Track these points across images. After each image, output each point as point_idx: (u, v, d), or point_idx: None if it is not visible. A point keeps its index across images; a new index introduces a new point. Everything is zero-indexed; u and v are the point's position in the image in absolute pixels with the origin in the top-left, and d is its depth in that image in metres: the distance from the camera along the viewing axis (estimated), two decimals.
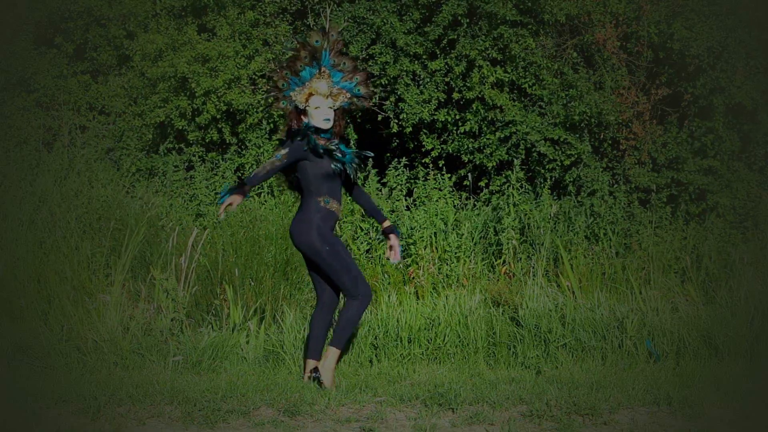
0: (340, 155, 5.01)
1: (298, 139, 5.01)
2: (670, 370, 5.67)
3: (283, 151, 4.95)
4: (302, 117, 5.08)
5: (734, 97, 7.62)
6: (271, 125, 8.36)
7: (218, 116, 8.25)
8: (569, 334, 6.05)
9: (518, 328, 6.15)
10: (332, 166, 5.00)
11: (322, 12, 8.54)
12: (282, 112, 5.27)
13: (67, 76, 8.98)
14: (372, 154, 5.44)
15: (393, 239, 5.19)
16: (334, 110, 5.09)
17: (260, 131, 8.30)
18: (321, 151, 4.99)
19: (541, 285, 6.56)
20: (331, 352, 5.09)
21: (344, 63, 5.17)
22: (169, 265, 6.27)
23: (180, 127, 8.33)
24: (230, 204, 4.76)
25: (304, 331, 5.99)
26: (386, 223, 5.21)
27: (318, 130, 5.04)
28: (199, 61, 8.22)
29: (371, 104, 5.39)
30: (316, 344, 5.15)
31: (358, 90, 5.17)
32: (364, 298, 5.05)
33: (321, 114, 5.04)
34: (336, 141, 5.09)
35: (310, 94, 5.07)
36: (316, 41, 5.10)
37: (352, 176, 5.06)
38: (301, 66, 5.12)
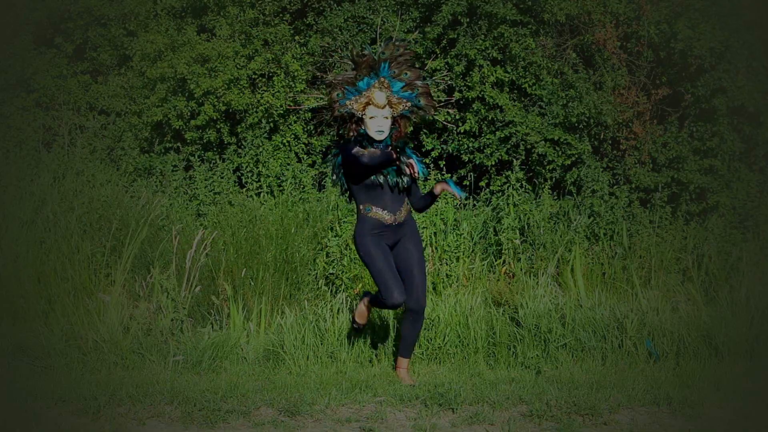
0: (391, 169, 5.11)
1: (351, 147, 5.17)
2: (670, 370, 5.67)
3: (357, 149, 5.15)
4: (359, 125, 5.17)
5: (736, 98, 7.61)
6: (271, 125, 8.36)
7: (216, 117, 8.25)
8: (569, 334, 6.04)
9: (518, 328, 6.15)
10: (379, 179, 5.13)
11: (323, 11, 8.53)
12: (332, 118, 5.37)
13: (66, 76, 8.98)
14: (420, 160, 5.37)
15: (441, 185, 5.23)
16: (394, 118, 5.18)
17: (259, 131, 8.30)
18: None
19: (543, 285, 6.56)
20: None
21: (406, 73, 5.22)
22: (171, 265, 6.27)
23: (177, 127, 8.33)
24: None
25: (305, 330, 5.99)
26: (437, 188, 5.25)
27: (371, 140, 5.15)
28: (198, 62, 8.21)
29: (434, 114, 5.46)
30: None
31: (419, 101, 5.23)
32: (386, 304, 5.17)
33: (375, 125, 5.13)
34: (396, 148, 5.14)
35: (368, 104, 5.14)
36: (382, 53, 5.16)
37: (395, 185, 5.14)
38: (359, 77, 5.17)
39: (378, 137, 5.14)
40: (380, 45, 5.20)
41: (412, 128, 5.30)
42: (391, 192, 5.16)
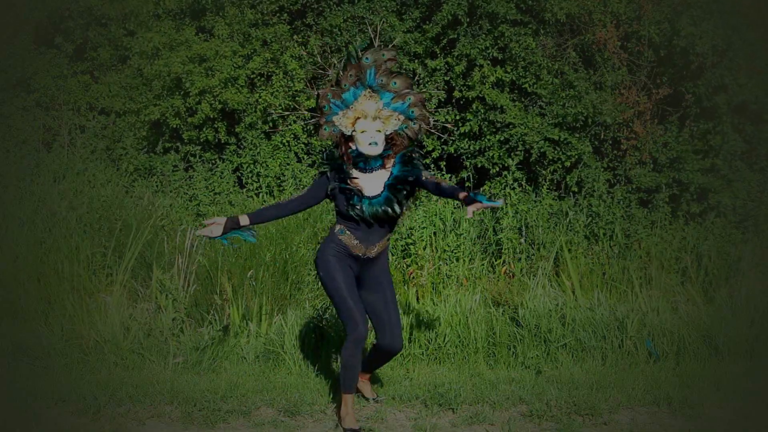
0: (357, 200, 4.56)
1: (322, 171, 4.67)
2: (670, 370, 5.68)
3: (296, 194, 4.69)
4: (350, 144, 4.64)
5: (738, 96, 7.61)
6: (269, 125, 8.36)
7: (213, 116, 8.25)
8: (569, 334, 6.04)
9: (518, 328, 6.15)
10: (349, 212, 4.58)
11: (323, 11, 8.53)
12: (328, 138, 4.76)
13: (67, 76, 8.98)
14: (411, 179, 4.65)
15: (471, 207, 4.37)
16: (386, 134, 4.64)
17: (256, 131, 8.30)
18: (337, 190, 4.59)
19: (543, 285, 6.56)
20: (342, 398, 4.65)
21: (394, 83, 4.69)
22: (172, 265, 6.27)
23: (174, 126, 8.33)
24: (211, 224, 4.54)
25: (305, 330, 5.99)
26: (462, 194, 4.35)
27: (365, 157, 4.61)
28: (195, 61, 8.21)
29: (428, 127, 4.95)
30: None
31: (412, 112, 4.70)
32: (348, 338, 4.51)
33: (367, 138, 4.58)
34: (390, 168, 4.65)
35: (357, 118, 4.63)
36: (366, 58, 4.65)
37: (368, 217, 4.58)
38: (345, 86, 4.66)
39: (371, 152, 4.58)
40: (362, 52, 4.68)
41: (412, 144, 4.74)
42: (370, 226, 4.62)
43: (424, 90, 8.11)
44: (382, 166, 4.66)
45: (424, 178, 4.60)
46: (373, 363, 4.94)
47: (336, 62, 8.31)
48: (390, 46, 4.86)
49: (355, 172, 4.64)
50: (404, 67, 8.12)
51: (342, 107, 4.66)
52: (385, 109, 4.66)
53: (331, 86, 4.73)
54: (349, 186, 4.58)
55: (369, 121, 4.60)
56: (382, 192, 4.61)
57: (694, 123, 7.85)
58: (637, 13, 7.99)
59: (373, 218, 4.57)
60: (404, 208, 4.66)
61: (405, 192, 4.63)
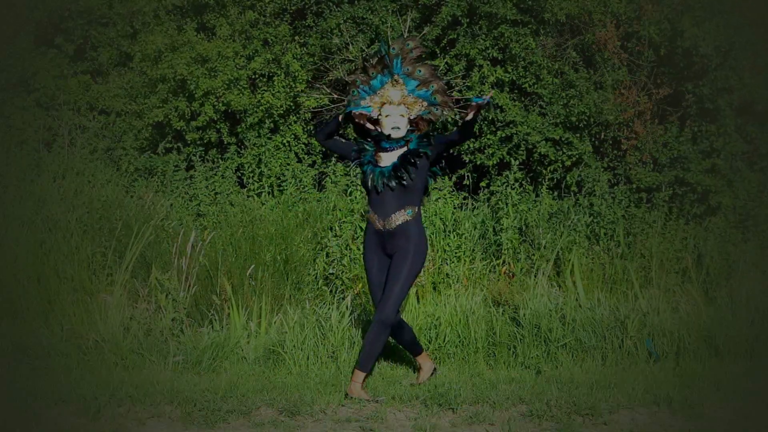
0: (371, 169, 5.02)
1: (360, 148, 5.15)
2: (670, 370, 5.67)
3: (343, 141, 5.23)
4: (375, 126, 5.09)
5: (744, 95, 7.59)
6: (271, 125, 8.36)
7: (216, 117, 8.24)
8: (569, 334, 6.04)
9: (518, 328, 6.15)
10: (367, 181, 5.04)
11: (323, 12, 8.52)
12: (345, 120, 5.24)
13: (67, 76, 8.97)
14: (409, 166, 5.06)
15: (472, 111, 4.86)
16: (410, 119, 5.08)
17: (262, 130, 8.29)
18: (354, 152, 5.12)
19: (543, 285, 6.55)
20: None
21: (419, 71, 5.12)
22: (171, 265, 6.27)
23: (178, 128, 8.32)
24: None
25: (306, 330, 5.99)
26: (469, 117, 4.88)
27: (387, 139, 5.05)
28: (198, 62, 8.20)
29: (452, 114, 5.37)
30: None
31: (434, 99, 5.12)
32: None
33: (390, 122, 5.02)
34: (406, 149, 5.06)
35: (383, 103, 5.06)
36: (392, 48, 5.08)
37: (376, 187, 5.00)
38: (372, 74, 5.10)
39: (395, 134, 5.02)
40: (390, 42, 5.12)
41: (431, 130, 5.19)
42: (380, 195, 5.01)
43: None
44: (405, 146, 5.06)
45: (445, 140, 5.09)
46: (367, 345, 5.03)
47: (336, 62, 8.31)
48: (414, 37, 5.19)
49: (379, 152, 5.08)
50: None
51: (369, 92, 5.11)
52: (409, 95, 5.08)
53: (361, 73, 5.17)
54: (370, 160, 5.04)
55: (394, 107, 5.03)
56: (392, 162, 5.01)
57: (694, 123, 7.84)
58: (637, 13, 7.99)
59: (380, 185, 4.96)
60: (413, 177, 4.95)
61: (417, 163, 4.97)
